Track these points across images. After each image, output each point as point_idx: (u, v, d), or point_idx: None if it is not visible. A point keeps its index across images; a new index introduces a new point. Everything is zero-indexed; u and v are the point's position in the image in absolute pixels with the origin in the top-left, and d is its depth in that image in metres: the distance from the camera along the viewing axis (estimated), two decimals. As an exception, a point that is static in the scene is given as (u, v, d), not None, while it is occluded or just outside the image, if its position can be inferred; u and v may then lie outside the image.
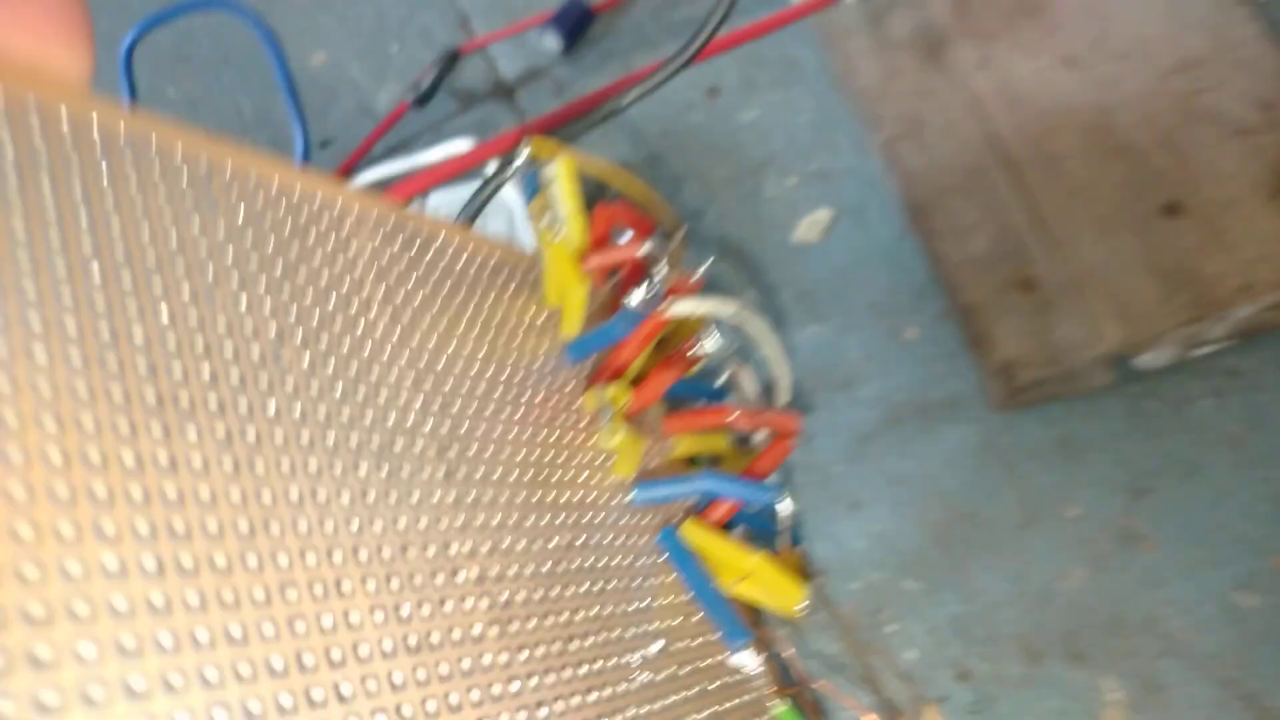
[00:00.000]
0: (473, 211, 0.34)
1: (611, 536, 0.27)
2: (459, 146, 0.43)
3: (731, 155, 0.43)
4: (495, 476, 0.24)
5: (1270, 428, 0.33)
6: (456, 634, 0.20)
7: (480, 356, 0.26)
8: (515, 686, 0.21)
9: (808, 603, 0.29)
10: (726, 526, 0.31)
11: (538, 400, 0.27)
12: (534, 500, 0.25)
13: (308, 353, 0.20)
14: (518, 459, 0.26)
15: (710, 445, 0.34)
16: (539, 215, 0.32)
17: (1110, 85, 0.37)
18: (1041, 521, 0.34)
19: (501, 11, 0.48)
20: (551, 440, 0.27)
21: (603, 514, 0.27)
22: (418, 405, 0.23)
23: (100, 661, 0.12)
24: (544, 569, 0.24)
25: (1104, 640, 0.32)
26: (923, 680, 0.33)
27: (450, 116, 0.47)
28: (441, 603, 0.20)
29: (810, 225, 0.40)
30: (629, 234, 0.35)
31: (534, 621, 0.22)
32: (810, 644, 0.34)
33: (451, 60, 0.47)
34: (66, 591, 0.12)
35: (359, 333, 0.22)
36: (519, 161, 0.32)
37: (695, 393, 0.35)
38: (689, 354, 0.34)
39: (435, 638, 0.19)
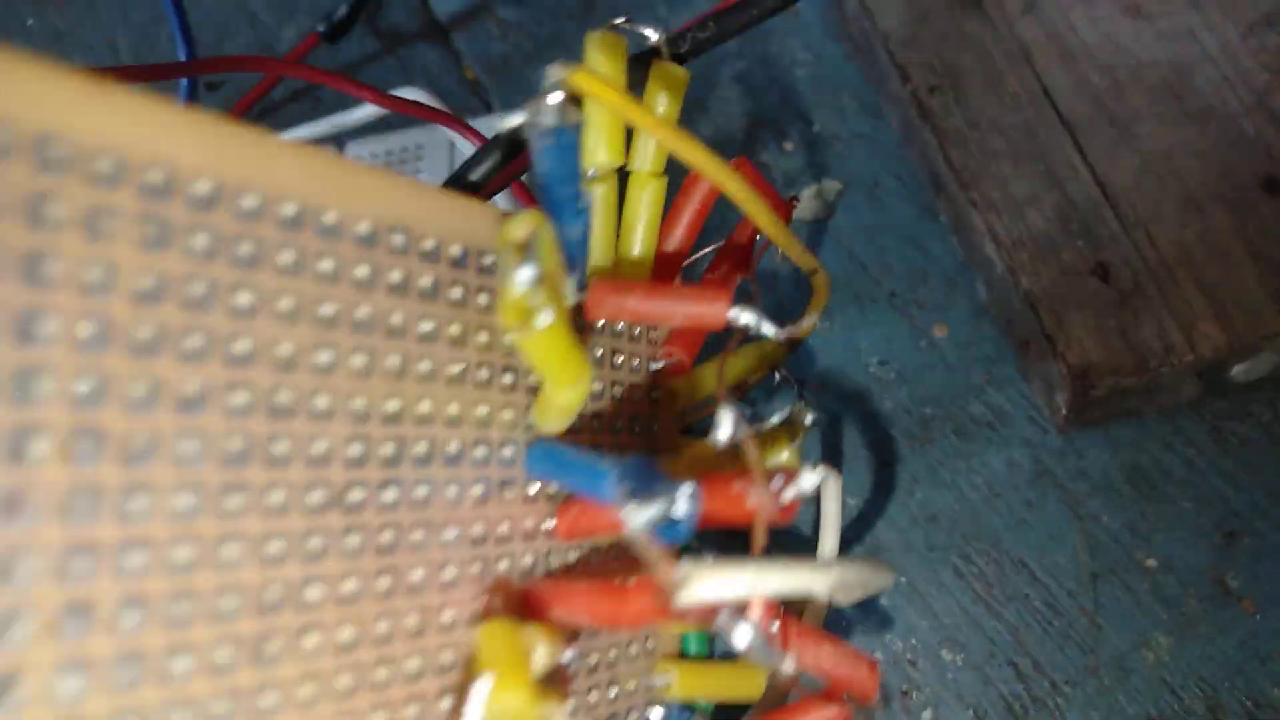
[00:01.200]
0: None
1: None
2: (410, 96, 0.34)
3: (713, 115, 0.35)
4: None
5: (1390, 460, 0.27)
6: None
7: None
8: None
9: None
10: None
11: (476, 501, 0.19)
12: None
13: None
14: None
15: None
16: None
17: (1183, 39, 0.30)
18: (1113, 573, 0.26)
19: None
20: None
21: None
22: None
23: None
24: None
25: (1199, 730, 0.25)
26: (969, 782, 0.25)
27: (370, 59, 0.39)
28: None
29: (812, 198, 0.33)
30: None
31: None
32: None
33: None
34: None
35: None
36: (551, 109, 0.17)
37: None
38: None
39: None
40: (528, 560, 0.20)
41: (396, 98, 0.28)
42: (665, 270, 0.23)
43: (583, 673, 0.21)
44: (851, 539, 0.28)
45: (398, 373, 0.17)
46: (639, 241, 0.23)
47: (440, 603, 0.18)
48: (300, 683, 0.15)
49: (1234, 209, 0.27)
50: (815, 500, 0.26)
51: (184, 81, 0.35)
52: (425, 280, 0.18)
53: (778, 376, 0.26)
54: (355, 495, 0.16)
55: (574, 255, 0.20)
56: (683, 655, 0.25)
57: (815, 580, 0.17)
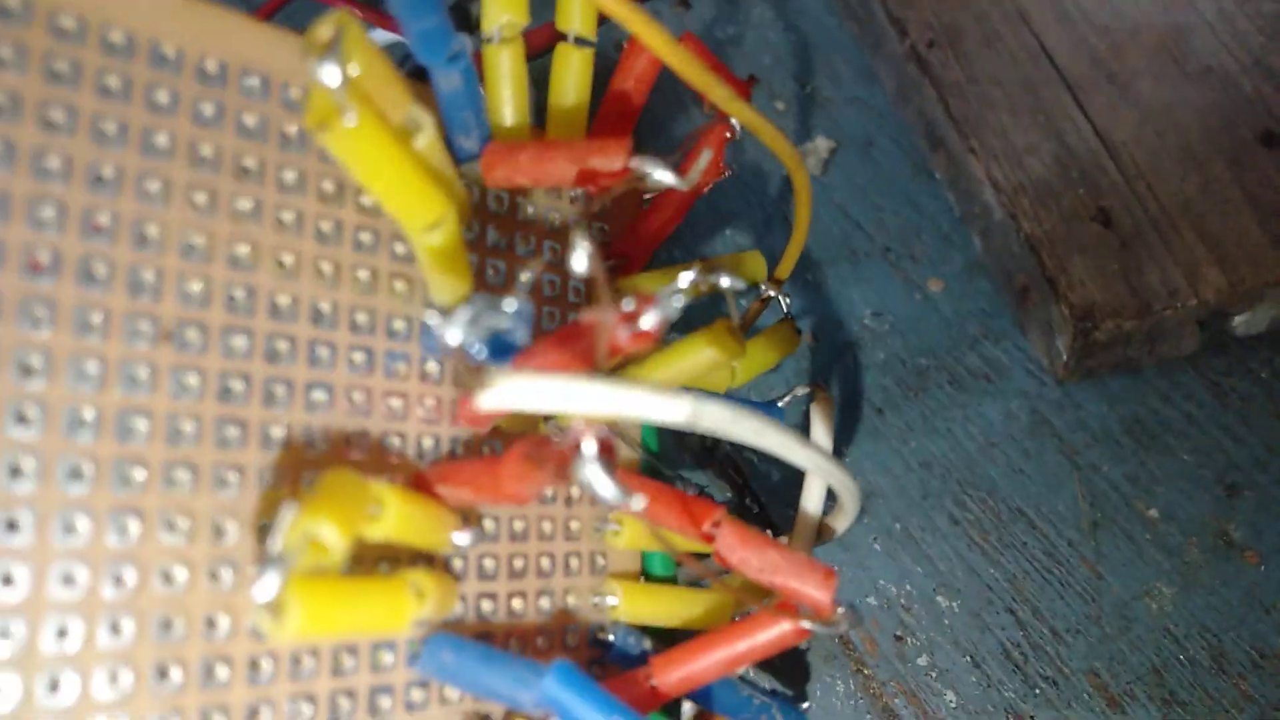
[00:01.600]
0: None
1: None
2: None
3: (706, 76, 0.35)
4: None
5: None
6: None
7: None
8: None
9: None
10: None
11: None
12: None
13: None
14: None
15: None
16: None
17: (1180, 4, 0.30)
18: (1114, 523, 0.26)
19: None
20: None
21: None
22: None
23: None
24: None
25: (1204, 679, 0.24)
26: (968, 730, 0.24)
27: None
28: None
29: (805, 155, 0.32)
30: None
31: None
32: (813, 681, 0.25)
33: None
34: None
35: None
36: None
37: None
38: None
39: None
40: (426, 441, 0.19)
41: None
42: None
43: (503, 574, 0.20)
44: (844, 488, 0.27)
45: (250, 218, 0.17)
46: (566, 112, 0.21)
47: (301, 461, 0.17)
48: (113, 511, 0.15)
49: (1233, 162, 0.27)
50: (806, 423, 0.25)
51: None
52: (291, 129, 0.17)
53: (765, 290, 0.25)
54: (191, 334, 0.16)
55: (454, 108, 0.19)
56: (648, 578, 0.23)
57: (662, 407, 0.14)
